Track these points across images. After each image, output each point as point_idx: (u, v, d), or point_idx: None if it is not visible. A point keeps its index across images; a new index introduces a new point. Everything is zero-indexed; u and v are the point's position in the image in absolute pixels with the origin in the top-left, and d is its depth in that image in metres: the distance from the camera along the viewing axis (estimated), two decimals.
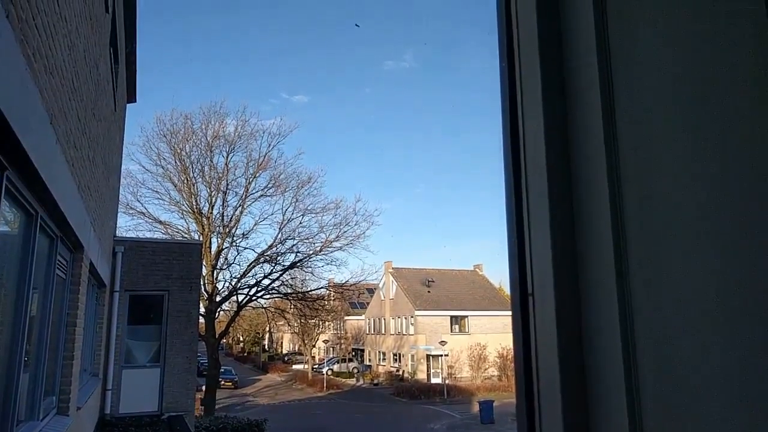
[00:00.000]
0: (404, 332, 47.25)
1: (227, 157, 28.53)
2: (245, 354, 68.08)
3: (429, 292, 47.31)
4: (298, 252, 28.83)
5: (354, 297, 43.48)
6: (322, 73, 68.03)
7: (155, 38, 59.60)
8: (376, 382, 45.21)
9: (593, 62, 0.80)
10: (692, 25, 0.68)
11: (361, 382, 45.97)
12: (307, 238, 29.18)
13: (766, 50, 0.58)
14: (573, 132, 0.84)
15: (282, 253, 28.80)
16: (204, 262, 23.95)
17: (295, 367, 53.17)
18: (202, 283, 22.63)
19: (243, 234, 28.88)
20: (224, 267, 28.22)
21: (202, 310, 23.64)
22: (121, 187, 16.36)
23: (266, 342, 69.83)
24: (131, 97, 13.91)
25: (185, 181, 27.73)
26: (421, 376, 43.93)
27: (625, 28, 0.78)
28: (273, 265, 28.60)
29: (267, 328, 63.70)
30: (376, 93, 68.68)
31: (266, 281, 28.43)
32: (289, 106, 67.64)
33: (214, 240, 28.04)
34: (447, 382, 39.10)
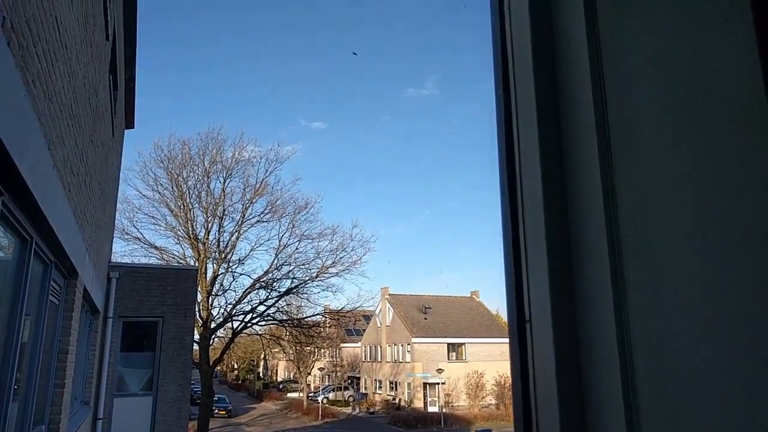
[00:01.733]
0: (401, 360, 46.74)
1: (224, 183, 28.62)
2: (240, 382, 67.13)
3: (426, 318, 46.97)
4: (294, 278, 28.69)
5: (350, 324, 43.12)
6: (342, 101, 68.42)
7: (174, 64, 60.42)
8: (372, 410, 44.53)
9: (588, 100, 0.81)
10: (684, 60, 0.69)
11: (357, 410, 45.27)
12: (303, 264, 29.07)
13: (754, 59, 0.59)
14: (568, 159, 0.85)
15: (278, 279, 28.67)
16: (199, 288, 23.78)
17: (290, 395, 52.41)
18: (196, 309, 22.44)
19: (239, 260, 28.77)
20: (219, 293, 28.03)
21: (196, 336, 23.38)
22: (117, 213, 16.35)
23: (261, 369, 68.94)
24: (129, 124, 14.00)
25: (182, 207, 27.73)
26: (418, 404, 43.31)
27: (619, 63, 0.79)
28: (269, 291, 28.42)
29: (262, 356, 62.95)
30: (395, 121, 68.91)
31: (262, 307, 28.22)
32: (308, 133, 68.08)
33: (209, 266, 27.91)
34: (444, 410, 38.55)
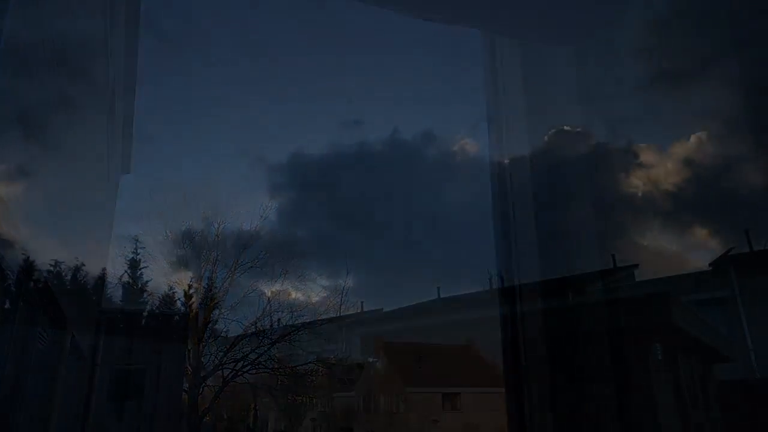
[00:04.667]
0: (395, 410, 45.59)
1: (218, 228, 28.55)
2: None
3: (420, 368, 46.15)
4: (287, 325, 28.26)
5: (343, 373, 42.22)
6: (372, 149, 67.32)
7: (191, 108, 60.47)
8: None
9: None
10: None
11: None
12: (296, 311, 28.70)
13: None
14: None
15: (270, 326, 28.22)
16: (190, 335, 23.37)
17: None
18: (187, 356, 22.00)
19: (231, 306, 28.38)
20: (210, 340, 27.52)
21: (185, 385, 22.80)
22: (109, 257, 16.22)
23: (251, 420, 67.02)
24: (126, 168, 14.09)
25: (175, 252, 27.57)
26: None
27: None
28: (260, 338, 27.94)
29: (252, 405, 61.34)
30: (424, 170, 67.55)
31: (253, 355, 27.66)
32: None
33: (201, 312, 27.51)
34: None
